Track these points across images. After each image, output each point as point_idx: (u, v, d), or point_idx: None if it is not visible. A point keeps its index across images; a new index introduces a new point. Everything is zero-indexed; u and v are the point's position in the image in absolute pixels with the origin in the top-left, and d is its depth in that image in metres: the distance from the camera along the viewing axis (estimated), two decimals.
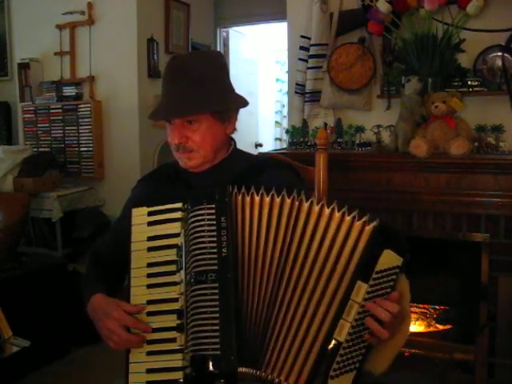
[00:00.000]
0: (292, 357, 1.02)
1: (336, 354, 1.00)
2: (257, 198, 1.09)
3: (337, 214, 1.05)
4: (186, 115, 1.24)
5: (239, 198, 1.10)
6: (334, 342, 1.00)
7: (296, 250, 1.06)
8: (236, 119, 1.34)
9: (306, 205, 1.07)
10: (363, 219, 1.04)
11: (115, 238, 1.38)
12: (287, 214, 1.08)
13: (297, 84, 2.84)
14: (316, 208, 1.07)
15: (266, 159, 1.47)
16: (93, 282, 1.29)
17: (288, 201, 1.08)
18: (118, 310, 1.13)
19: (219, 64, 1.30)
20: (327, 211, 1.06)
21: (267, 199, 1.09)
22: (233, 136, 1.38)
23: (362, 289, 1.01)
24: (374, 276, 1.01)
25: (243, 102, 1.32)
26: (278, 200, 1.08)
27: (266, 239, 1.07)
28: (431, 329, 2.47)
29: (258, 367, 1.02)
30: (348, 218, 1.04)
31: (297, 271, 1.05)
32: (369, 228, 1.03)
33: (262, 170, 1.32)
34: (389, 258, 1.02)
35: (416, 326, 2.49)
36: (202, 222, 1.07)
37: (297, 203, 1.08)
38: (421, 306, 2.55)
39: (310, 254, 1.05)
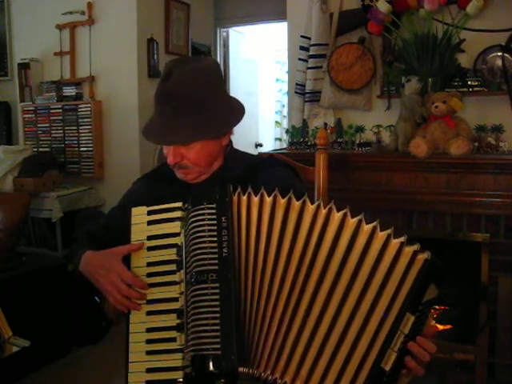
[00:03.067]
0: (298, 360, 1.00)
1: (381, 382, 0.98)
2: (268, 199, 1.05)
3: (380, 234, 0.99)
4: (178, 144, 1.23)
5: (244, 197, 1.07)
6: (381, 371, 0.97)
7: (325, 262, 1.00)
8: (232, 132, 1.33)
9: (337, 215, 1.01)
10: (414, 247, 0.98)
11: (108, 222, 1.38)
12: (310, 221, 1.02)
13: (297, 84, 2.84)
14: (351, 221, 1.00)
15: (265, 158, 1.46)
16: (83, 245, 1.27)
17: (311, 207, 1.03)
18: (119, 263, 1.14)
19: (212, 79, 1.27)
20: (367, 228, 0.99)
21: (282, 201, 1.04)
22: (232, 136, 1.37)
23: (409, 320, 0.97)
24: (419, 308, 0.98)
25: (238, 117, 1.29)
26: (297, 204, 1.03)
27: (278, 244, 1.03)
28: None
29: (256, 366, 1.02)
30: (395, 241, 0.98)
31: (327, 286, 1.00)
32: (421, 258, 0.97)
33: (261, 169, 1.32)
34: (431, 290, 0.99)
35: None
36: (203, 222, 1.06)
37: (324, 211, 1.01)
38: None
39: (345, 272, 0.99)
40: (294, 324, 1.02)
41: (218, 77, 1.31)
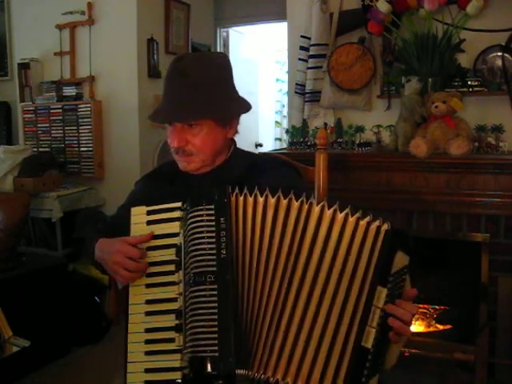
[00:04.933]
0: (297, 359, 1.01)
1: (366, 361, 0.99)
2: (261, 199, 1.07)
3: (351, 219, 1.02)
4: (186, 121, 1.24)
5: (241, 198, 1.08)
6: (363, 349, 0.99)
7: (307, 255, 1.03)
8: (238, 123, 1.34)
9: (316, 208, 1.04)
10: (376, 223, 1.02)
11: (115, 222, 1.40)
12: (295, 218, 1.05)
13: (297, 84, 2.84)
14: (328, 212, 1.04)
15: (266, 159, 1.47)
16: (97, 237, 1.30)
17: (296, 203, 1.05)
18: (123, 243, 1.16)
19: (223, 67, 1.29)
20: (340, 216, 1.03)
21: (272, 201, 1.06)
22: (234, 136, 1.38)
23: (382, 293, 0.99)
24: (390, 279, 1.00)
25: (246, 107, 1.31)
26: (284, 202, 1.06)
27: (270, 242, 1.05)
28: (431, 329, 2.47)
29: (255, 369, 1.02)
30: (362, 223, 1.02)
31: (310, 277, 1.02)
32: (382, 230, 1.01)
33: (262, 171, 1.32)
34: (400, 259, 1.01)
35: (416, 326, 2.49)
36: (201, 223, 1.07)
37: (306, 206, 1.05)
38: (421, 306, 2.55)
39: (324, 261, 1.02)
40: (292, 323, 1.02)
41: (227, 65, 1.32)
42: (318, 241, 1.03)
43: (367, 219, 1.02)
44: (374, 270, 1.00)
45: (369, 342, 0.98)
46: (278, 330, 1.02)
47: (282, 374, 1.01)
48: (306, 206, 1.05)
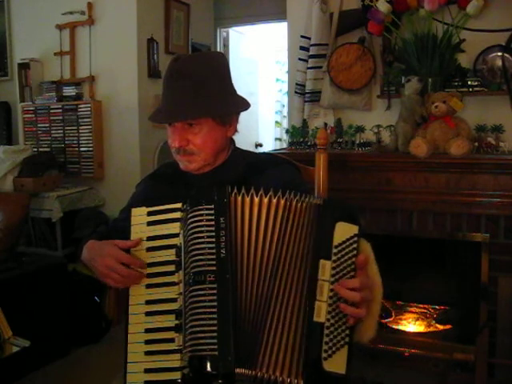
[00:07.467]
0: (283, 351, 1.03)
1: (321, 336, 1.00)
2: (256, 199, 1.09)
3: (301, 204, 1.08)
4: (187, 120, 1.24)
5: (239, 198, 1.10)
6: (315, 325, 1.01)
7: (286, 248, 1.07)
8: (237, 122, 1.34)
9: (294, 203, 1.09)
10: (313, 200, 1.08)
11: (116, 224, 1.39)
12: (281, 215, 1.08)
13: (297, 84, 2.84)
14: (304, 205, 1.09)
15: (266, 158, 1.47)
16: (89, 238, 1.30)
17: (282, 201, 1.09)
18: (114, 247, 1.16)
19: (221, 66, 1.30)
20: (304, 206, 1.09)
21: (265, 200, 1.09)
22: (233, 136, 1.38)
23: (326, 266, 1.03)
24: (335, 251, 1.03)
25: (244, 105, 1.32)
26: (274, 201, 1.09)
27: (263, 240, 1.08)
28: (431, 329, 2.47)
29: (255, 367, 1.02)
30: (304, 206, 1.08)
31: (286, 269, 1.06)
32: (316, 205, 1.07)
33: (262, 170, 1.33)
34: (344, 230, 1.04)
35: (416, 326, 2.49)
36: (201, 223, 1.07)
37: (288, 204, 1.09)
38: (421, 306, 2.55)
39: (289, 248, 1.08)
40: (286, 319, 1.04)
41: (224, 64, 1.32)
42: (293, 232, 1.08)
43: (307, 199, 1.08)
44: (312, 243, 1.05)
45: (321, 317, 1.00)
46: (265, 326, 1.04)
47: (273, 368, 1.02)
48: (288, 204, 1.09)
